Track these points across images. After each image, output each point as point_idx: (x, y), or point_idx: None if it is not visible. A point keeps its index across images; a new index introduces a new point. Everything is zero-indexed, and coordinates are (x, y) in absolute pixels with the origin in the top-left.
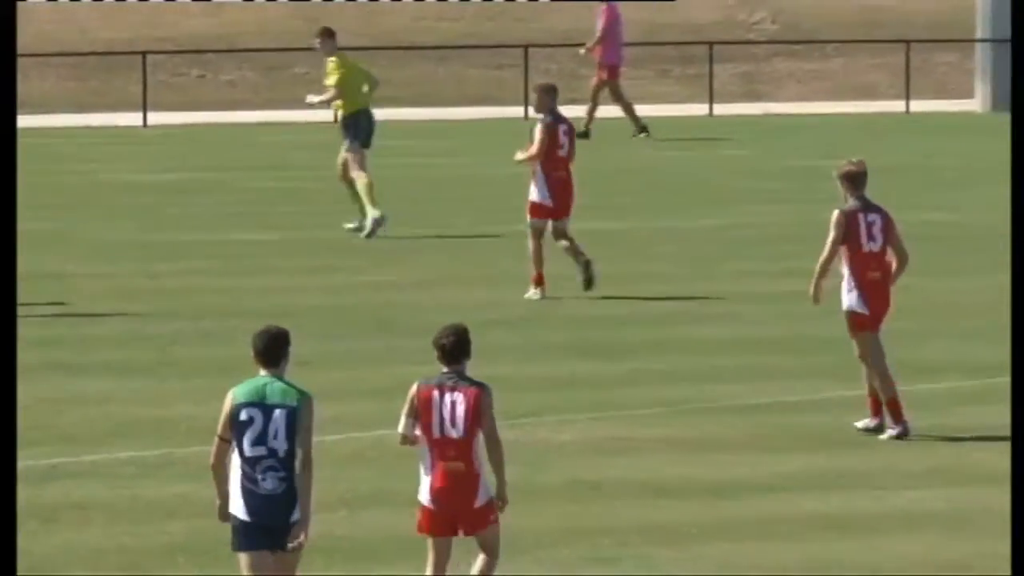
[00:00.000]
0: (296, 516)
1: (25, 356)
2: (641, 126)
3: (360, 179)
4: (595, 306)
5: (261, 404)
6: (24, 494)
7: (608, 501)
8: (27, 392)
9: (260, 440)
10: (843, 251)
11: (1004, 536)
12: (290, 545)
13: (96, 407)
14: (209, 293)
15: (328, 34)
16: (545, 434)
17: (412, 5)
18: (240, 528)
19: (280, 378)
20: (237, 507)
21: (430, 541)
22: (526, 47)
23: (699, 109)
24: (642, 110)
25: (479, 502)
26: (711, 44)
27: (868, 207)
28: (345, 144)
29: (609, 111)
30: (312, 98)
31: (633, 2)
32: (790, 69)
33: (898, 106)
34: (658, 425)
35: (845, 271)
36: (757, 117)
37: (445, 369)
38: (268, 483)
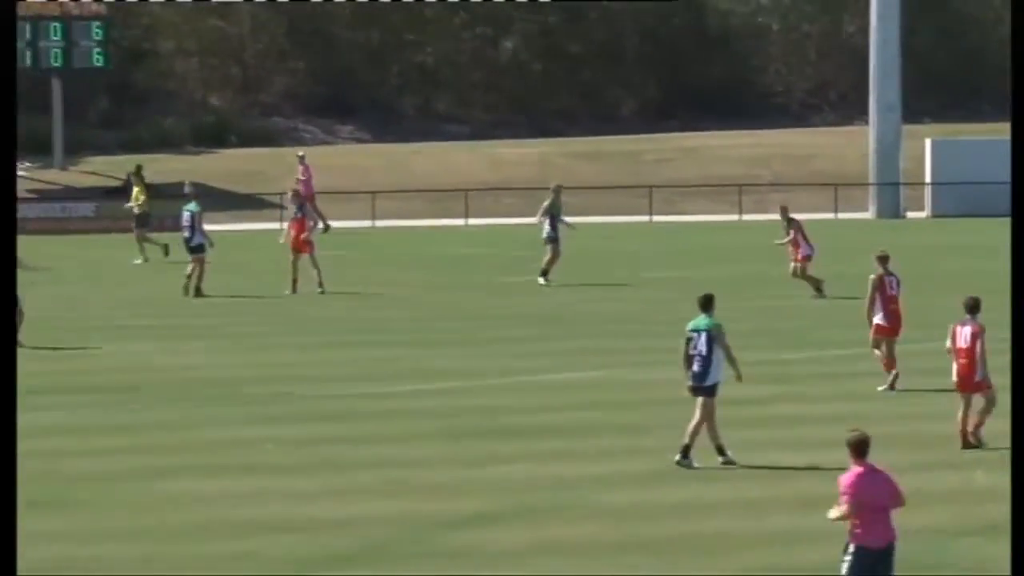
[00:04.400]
0: (708, 382)
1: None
2: (326, 226)
3: (146, 241)
4: (602, 307)
5: (697, 330)
6: (332, 407)
7: (589, 410)
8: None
9: (696, 347)
10: (877, 296)
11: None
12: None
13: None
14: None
15: (138, 171)
16: (555, 376)
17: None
18: (690, 388)
19: (709, 317)
20: (688, 378)
21: (961, 396)
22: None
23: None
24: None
25: (977, 377)
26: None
27: (891, 274)
28: (136, 226)
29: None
30: (129, 204)
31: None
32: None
33: (831, 215)
34: (614, 370)
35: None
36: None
37: (967, 316)
38: (696, 367)
